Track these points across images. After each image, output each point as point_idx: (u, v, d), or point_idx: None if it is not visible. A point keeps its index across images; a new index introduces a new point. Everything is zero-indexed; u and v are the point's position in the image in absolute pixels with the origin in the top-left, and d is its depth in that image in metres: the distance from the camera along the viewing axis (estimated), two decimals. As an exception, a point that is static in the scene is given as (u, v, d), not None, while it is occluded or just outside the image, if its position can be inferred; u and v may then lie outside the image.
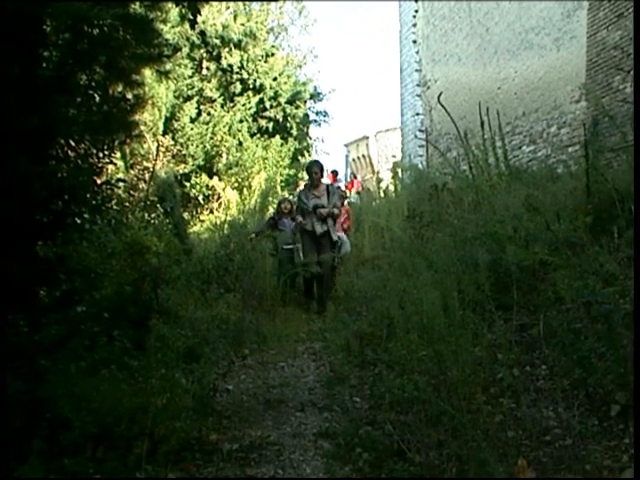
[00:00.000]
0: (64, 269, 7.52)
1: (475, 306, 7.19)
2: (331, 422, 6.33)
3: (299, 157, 31.75)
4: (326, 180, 22.17)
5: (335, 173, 26.70)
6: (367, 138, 41.25)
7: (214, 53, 27.68)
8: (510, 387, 5.82)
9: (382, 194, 20.43)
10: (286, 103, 29.69)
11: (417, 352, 6.69)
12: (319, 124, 34.60)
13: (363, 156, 41.49)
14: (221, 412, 6.74)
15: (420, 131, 22.88)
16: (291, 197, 18.59)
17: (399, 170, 20.67)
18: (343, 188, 20.62)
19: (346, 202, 17.71)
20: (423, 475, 4.75)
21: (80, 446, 5.09)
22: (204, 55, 27.48)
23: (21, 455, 4.83)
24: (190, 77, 26.12)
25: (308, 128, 33.80)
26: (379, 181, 23.27)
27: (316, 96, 33.16)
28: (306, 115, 32.60)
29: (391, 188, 19.74)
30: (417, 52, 23.52)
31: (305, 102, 31.85)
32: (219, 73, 27.82)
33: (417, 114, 23.48)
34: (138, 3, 8.40)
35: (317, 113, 33.99)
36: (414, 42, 23.68)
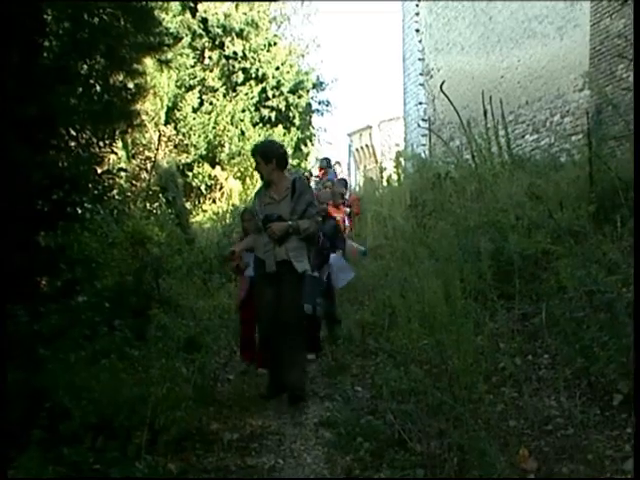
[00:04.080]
0: (65, 259, 7.51)
1: (477, 295, 7.18)
2: (332, 411, 6.32)
3: (302, 147, 31.70)
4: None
5: (325, 163, 20.94)
6: (370, 127, 41.14)
7: (216, 42, 27.60)
8: (512, 376, 5.80)
9: (385, 183, 20.38)
10: (289, 92, 29.56)
11: (418, 341, 6.69)
12: (322, 113, 34.46)
13: (366, 146, 41.40)
14: (222, 402, 6.73)
15: (423, 120, 22.80)
16: None
17: (402, 159, 20.62)
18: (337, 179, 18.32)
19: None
20: (424, 464, 4.73)
21: (80, 436, 5.07)
22: (206, 44, 27.38)
23: (20, 444, 4.81)
24: (192, 67, 26.03)
25: (311, 117, 33.68)
26: (382, 170, 23.22)
27: (319, 85, 32.99)
28: (309, 104, 32.45)
29: (394, 177, 19.70)
30: (420, 41, 23.42)
31: (308, 91, 31.68)
32: (221, 62, 27.72)
33: (420, 103, 23.40)
34: (139, -8, 8.35)
35: (320, 102, 33.87)
36: (417, 31, 23.58)
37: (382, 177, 21.78)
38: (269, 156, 6.94)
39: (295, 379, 6.69)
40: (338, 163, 23.92)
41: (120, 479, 4.66)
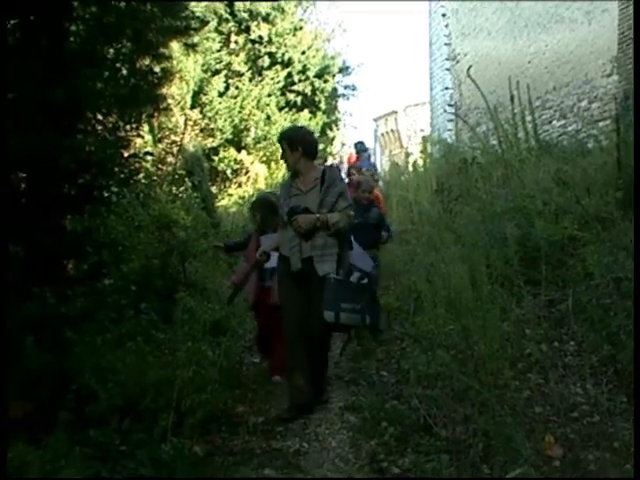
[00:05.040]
0: (91, 242, 7.55)
1: (503, 281, 7.14)
2: (357, 396, 6.31)
3: (328, 131, 31.63)
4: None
5: (360, 147, 20.59)
6: (396, 112, 41.07)
7: (242, 26, 27.56)
8: (538, 363, 5.78)
9: (411, 168, 20.31)
10: (315, 77, 29.47)
11: (444, 327, 6.68)
12: (348, 98, 34.39)
13: (392, 130, 41.32)
14: (247, 385, 6.77)
15: (449, 105, 22.69)
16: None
17: (428, 144, 20.55)
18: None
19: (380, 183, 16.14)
20: (449, 450, 4.73)
21: (106, 418, 5.13)
22: (232, 29, 27.35)
23: (48, 426, 4.87)
24: (218, 51, 25.98)
25: (337, 102, 33.60)
26: (408, 155, 23.14)
27: (345, 70, 32.91)
28: (334, 89, 32.37)
29: (420, 162, 19.63)
30: (446, 26, 23.29)
31: (334, 76, 31.62)
32: (247, 47, 27.68)
33: (446, 88, 23.30)
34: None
35: (346, 87, 33.77)
36: (443, 15, 23.45)
37: (408, 162, 21.70)
38: (295, 143, 6.25)
39: (317, 392, 6.25)
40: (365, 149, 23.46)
41: (146, 461, 4.71)
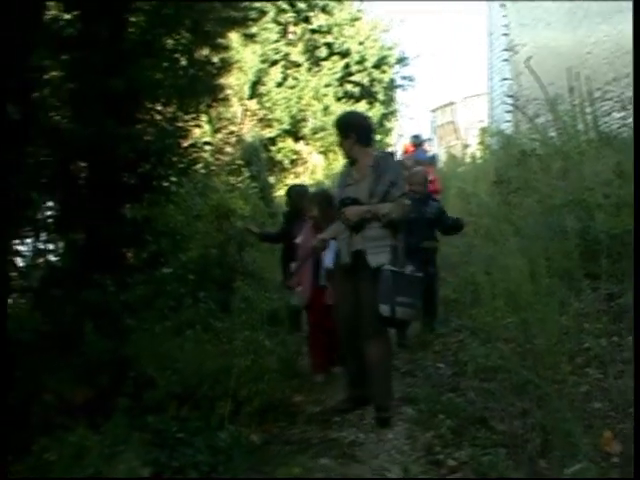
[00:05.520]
0: (151, 231, 7.63)
1: (563, 274, 7.03)
2: (414, 387, 6.30)
3: (385, 122, 31.50)
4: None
5: (415, 140, 19.00)
6: (453, 103, 40.71)
7: (300, 17, 27.55)
8: (597, 357, 5.67)
9: (468, 160, 20.13)
10: (372, 67, 29.32)
11: (502, 319, 6.60)
12: (405, 89, 34.16)
13: (449, 122, 40.99)
14: (304, 375, 6.76)
15: (508, 96, 22.38)
16: None
17: (486, 136, 20.34)
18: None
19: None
20: (506, 444, 4.68)
21: (164, 405, 5.19)
22: (290, 19, 27.36)
23: (107, 412, 4.93)
24: (276, 41, 26.01)
25: (394, 93, 33.40)
26: (465, 147, 22.94)
27: (402, 61, 32.68)
28: (392, 80, 32.17)
29: (478, 154, 19.43)
30: (505, 16, 22.96)
31: (391, 67, 31.44)
32: (305, 37, 27.68)
33: (504, 79, 22.97)
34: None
35: (403, 78, 33.55)
36: (502, 6, 23.14)
37: (465, 154, 21.51)
38: (347, 129, 5.89)
39: (378, 395, 5.72)
40: (429, 140, 22.53)
41: (203, 448, 4.74)
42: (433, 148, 35.34)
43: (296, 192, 8.16)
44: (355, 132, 5.84)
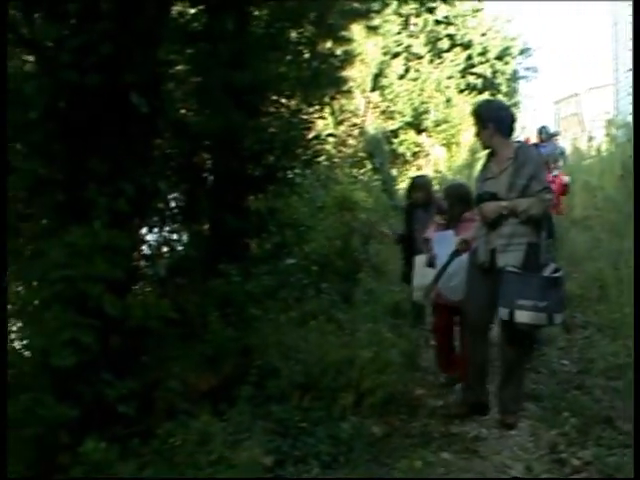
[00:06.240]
0: (275, 222, 7.71)
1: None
2: (538, 384, 6.16)
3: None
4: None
5: (544, 133, 16.80)
6: (578, 95, 39.67)
7: (422, 9, 27.34)
8: None
9: (593, 152, 19.58)
10: (495, 59, 28.88)
11: (630, 316, 6.37)
12: (528, 80, 33.48)
13: (573, 114, 39.95)
14: (427, 368, 6.70)
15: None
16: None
17: (612, 128, 19.74)
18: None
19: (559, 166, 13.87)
20: (629, 445, 4.51)
21: (287, 394, 5.24)
22: (412, 11, 27.17)
23: (230, 399, 5.01)
24: (398, 33, 25.90)
25: (517, 84, 32.78)
26: (590, 139, 22.32)
27: (525, 52, 32.03)
28: (515, 71, 31.60)
29: (603, 147, 18.87)
30: (630, 5, 22.23)
31: (514, 58, 30.86)
32: (427, 29, 27.45)
33: (631, 70, 22.25)
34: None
35: (526, 69, 32.87)
36: (627, -4, 22.39)
37: (591, 146, 20.91)
38: (486, 119, 5.53)
39: (506, 399, 5.49)
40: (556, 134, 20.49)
41: (325, 438, 4.76)
42: (557, 141, 34.57)
43: (418, 183, 7.86)
44: (494, 122, 5.49)
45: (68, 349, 4.54)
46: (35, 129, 5.35)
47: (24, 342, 6.09)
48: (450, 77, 26.74)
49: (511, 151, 5.43)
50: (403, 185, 19.99)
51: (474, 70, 28.28)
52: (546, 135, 17.41)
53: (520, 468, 4.65)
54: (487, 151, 5.72)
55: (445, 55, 27.39)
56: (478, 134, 5.68)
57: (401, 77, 25.19)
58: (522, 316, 5.09)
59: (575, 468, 4.54)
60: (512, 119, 5.70)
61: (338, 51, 8.57)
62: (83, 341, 4.59)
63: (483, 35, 28.39)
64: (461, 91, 27.06)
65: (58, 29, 5.18)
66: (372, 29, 9.46)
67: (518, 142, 5.78)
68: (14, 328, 7.57)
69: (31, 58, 6.24)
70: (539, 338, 6.74)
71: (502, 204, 5.27)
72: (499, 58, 29.15)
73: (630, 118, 20.64)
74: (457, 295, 5.78)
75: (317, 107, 8.60)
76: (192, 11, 7.38)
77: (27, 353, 5.78)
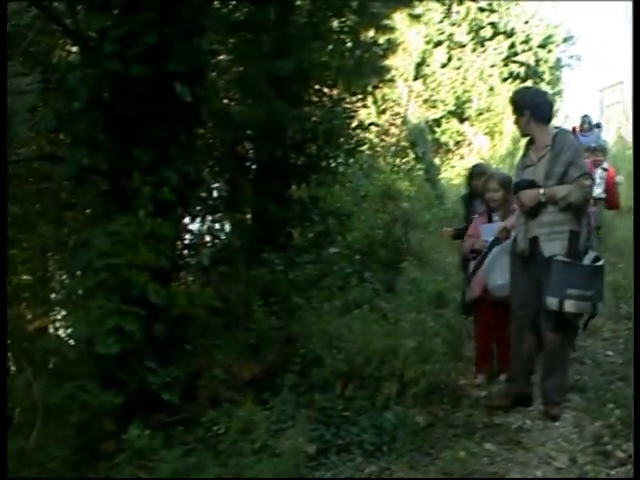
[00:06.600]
0: (317, 211, 7.71)
1: None
2: (582, 375, 6.11)
3: (552, 102, 30.62)
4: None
5: (583, 121, 16.24)
6: (622, 83, 39.02)
7: (464, -3, 27.12)
8: None
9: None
10: (538, 47, 28.54)
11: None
12: (572, 68, 33.01)
13: (618, 102, 39.32)
14: (470, 358, 6.65)
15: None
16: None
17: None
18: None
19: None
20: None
21: (330, 383, 5.24)
22: (454, -1, 26.97)
23: (274, 388, 5.03)
24: (440, 22, 25.73)
25: (561, 72, 32.35)
26: (636, 128, 21.94)
27: (569, 39, 31.59)
28: (558, 59, 31.17)
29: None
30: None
31: (557, 45, 30.45)
32: (469, 17, 27.21)
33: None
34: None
35: (570, 57, 32.41)
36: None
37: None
38: (522, 106, 5.45)
39: (549, 389, 5.37)
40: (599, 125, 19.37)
41: (369, 427, 4.76)
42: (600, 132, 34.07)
43: (477, 171, 7.58)
44: (530, 109, 5.40)
45: (112, 337, 4.61)
46: (79, 119, 5.41)
47: (69, 330, 6.18)
48: (493, 65, 26.50)
49: (549, 138, 5.35)
50: (446, 174, 19.96)
51: (517, 58, 27.98)
52: (588, 125, 17.07)
53: (564, 459, 4.59)
54: (527, 139, 5.62)
55: (488, 43, 27.13)
56: (516, 122, 5.60)
57: (443, 66, 25.03)
58: (570, 305, 5.03)
59: (620, 460, 4.48)
60: (549, 106, 5.64)
61: (380, 40, 8.52)
62: (127, 329, 4.65)
63: (526, 23, 28.08)
64: (504, 80, 26.81)
65: (102, 19, 5.24)
66: (415, 17, 9.39)
67: (557, 128, 5.64)
68: (58, 317, 7.72)
69: (75, 49, 6.32)
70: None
71: (540, 192, 5.19)
72: (542, 46, 28.81)
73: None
74: (503, 291, 5.64)
75: (360, 96, 8.59)
76: (234, 1, 7.40)
77: (71, 341, 5.88)
